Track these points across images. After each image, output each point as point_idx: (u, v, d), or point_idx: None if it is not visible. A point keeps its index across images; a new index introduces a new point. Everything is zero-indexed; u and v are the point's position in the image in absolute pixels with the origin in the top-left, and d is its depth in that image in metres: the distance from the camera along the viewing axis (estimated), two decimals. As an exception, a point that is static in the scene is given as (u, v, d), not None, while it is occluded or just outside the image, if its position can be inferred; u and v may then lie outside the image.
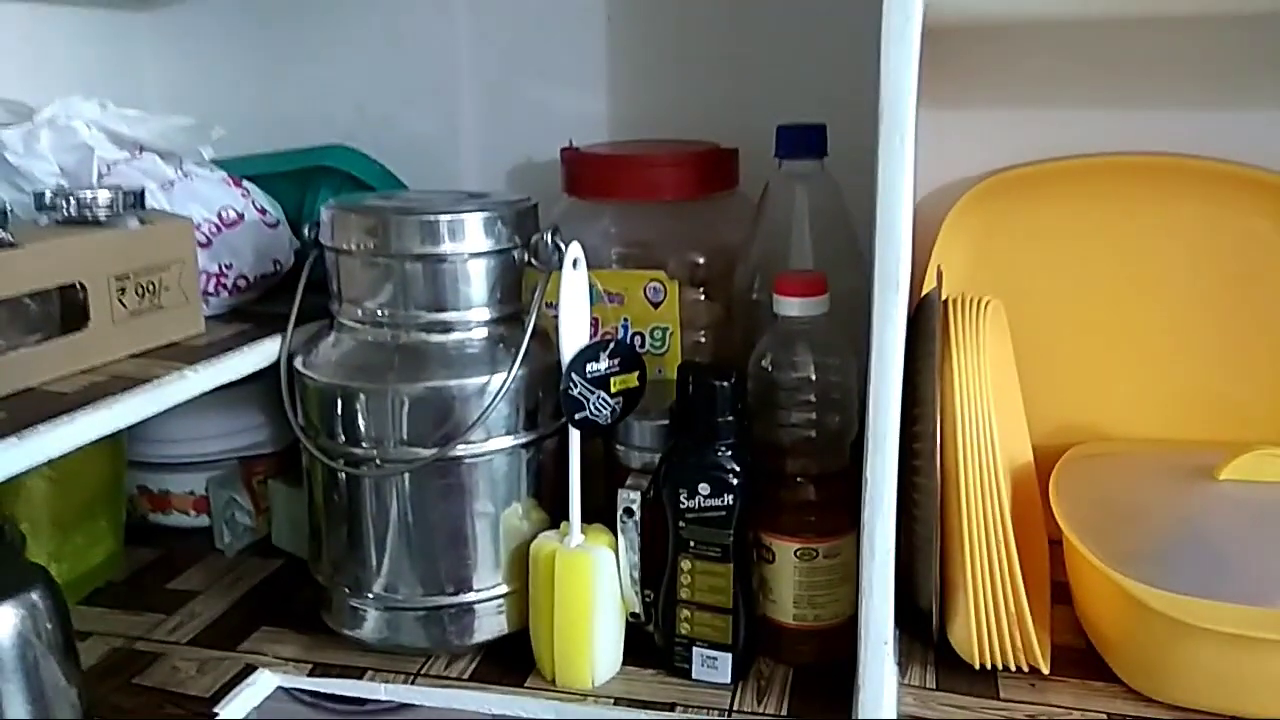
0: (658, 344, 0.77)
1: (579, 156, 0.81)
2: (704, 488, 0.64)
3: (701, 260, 0.78)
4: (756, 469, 0.66)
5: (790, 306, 0.65)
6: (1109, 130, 0.82)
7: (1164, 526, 0.66)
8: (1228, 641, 0.59)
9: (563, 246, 0.66)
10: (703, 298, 0.78)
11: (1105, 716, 0.63)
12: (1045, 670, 0.65)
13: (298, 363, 0.69)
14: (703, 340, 0.78)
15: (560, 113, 0.91)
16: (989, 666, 0.65)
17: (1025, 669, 0.65)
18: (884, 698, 0.60)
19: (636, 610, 0.69)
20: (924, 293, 0.74)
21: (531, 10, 0.91)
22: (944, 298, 0.68)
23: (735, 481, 0.64)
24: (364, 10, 0.94)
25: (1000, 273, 0.84)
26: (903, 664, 0.68)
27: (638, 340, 0.77)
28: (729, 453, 0.64)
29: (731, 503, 0.64)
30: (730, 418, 0.64)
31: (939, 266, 0.74)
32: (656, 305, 0.76)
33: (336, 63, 0.95)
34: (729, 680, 0.67)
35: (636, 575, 0.68)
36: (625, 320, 0.77)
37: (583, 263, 0.67)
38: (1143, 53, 0.81)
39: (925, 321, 0.65)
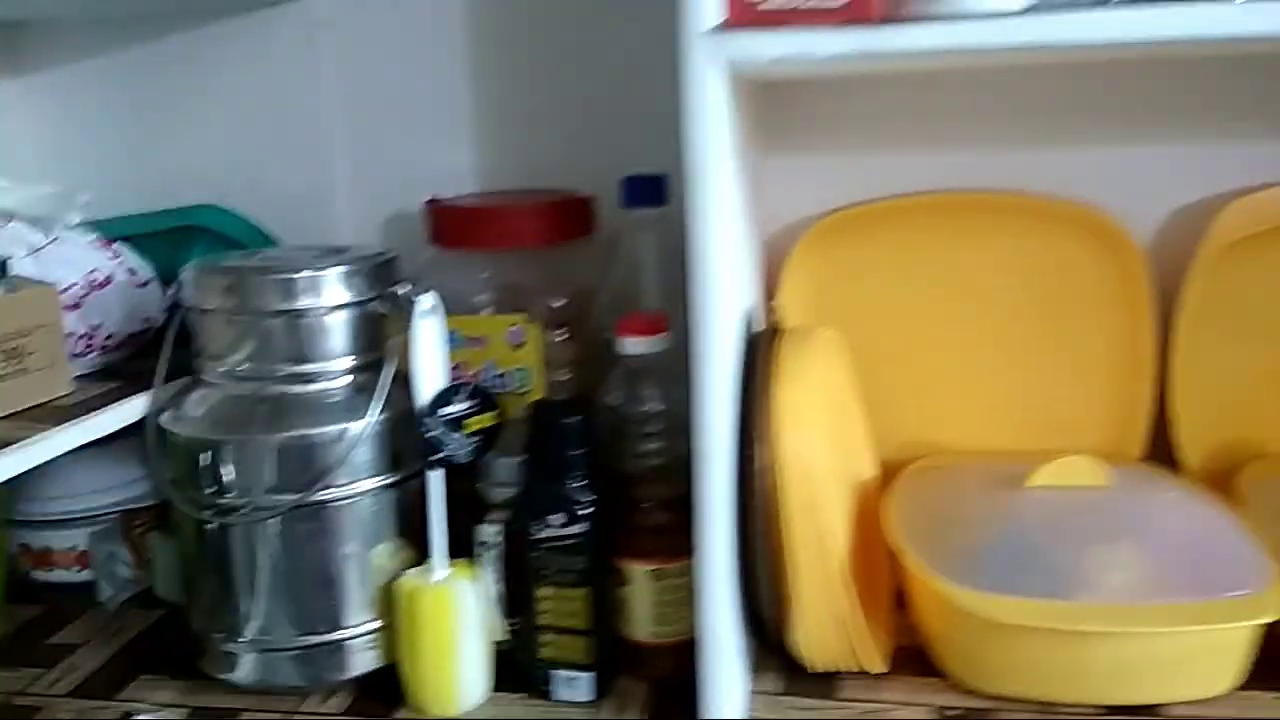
0: (521, 385, 0.81)
1: (442, 209, 0.85)
2: (556, 518, 0.69)
3: (560, 303, 0.82)
4: (610, 497, 0.70)
5: (630, 345, 0.70)
6: (938, 170, 0.89)
7: (978, 531, 0.72)
8: (1031, 634, 0.65)
9: (418, 296, 0.71)
10: (563, 339, 0.83)
11: (932, 708, 0.68)
12: (880, 671, 0.70)
13: (165, 418, 0.72)
14: (565, 379, 0.83)
15: (429, 166, 0.95)
16: (827, 671, 0.70)
17: (863, 671, 0.70)
18: (727, 704, 0.65)
19: (504, 638, 0.73)
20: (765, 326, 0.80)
21: (399, 68, 0.95)
22: (776, 330, 0.74)
23: (587, 511, 0.69)
24: (235, 69, 0.97)
25: (842, 304, 0.90)
26: (755, 671, 0.73)
27: (502, 382, 0.81)
28: (581, 484, 0.69)
29: (584, 531, 0.69)
30: (580, 450, 0.69)
31: (775, 301, 0.80)
32: (518, 347, 0.81)
33: (208, 122, 0.97)
34: (590, 698, 0.71)
35: (501, 605, 0.72)
36: (489, 363, 0.82)
37: (437, 310, 0.71)
38: (964, 101, 0.88)
39: (759, 352, 0.70)
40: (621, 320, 0.71)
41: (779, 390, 0.67)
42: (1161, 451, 0.86)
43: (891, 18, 0.59)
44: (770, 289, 0.90)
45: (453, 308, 0.79)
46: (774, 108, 0.91)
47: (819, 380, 0.73)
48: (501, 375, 0.82)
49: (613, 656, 0.72)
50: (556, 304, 0.82)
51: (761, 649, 0.74)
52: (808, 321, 0.89)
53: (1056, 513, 0.73)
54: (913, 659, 0.73)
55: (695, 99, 0.59)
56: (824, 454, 0.68)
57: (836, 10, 0.59)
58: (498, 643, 0.73)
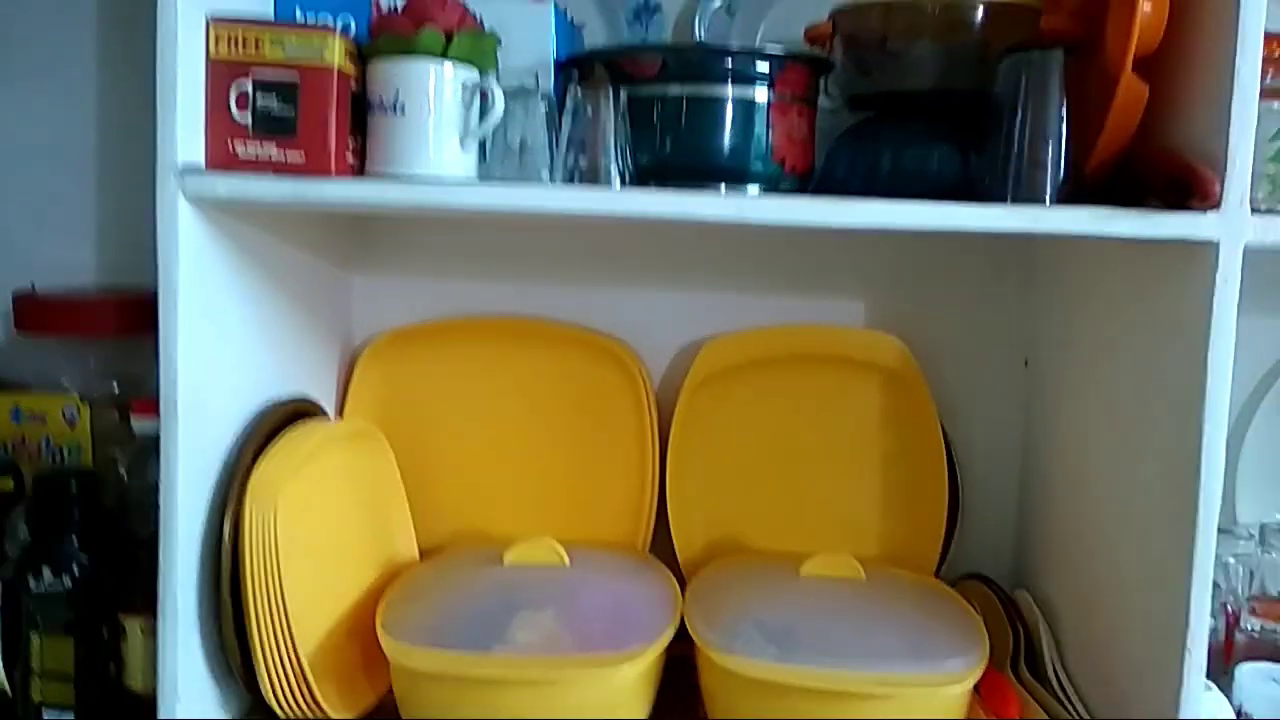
0: (73, 458, 0.91)
1: (26, 300, 0.95)
2: (47, 571, 0.78)
3: (117, 387, 0.93)
4: (114, 558, 0.80)
5: (138, 424, 0.82)
6: (499, 297, 1.06)
7: (445, 599, 0.85)
8: (451, 682, 0.77)
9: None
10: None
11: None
12: (348, 719, 0.81)
13: None
14: (119, 457, 0.93)
15: (45, 258, 1.05)
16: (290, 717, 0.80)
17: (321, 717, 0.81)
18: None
19: (3, 688, 0.80)
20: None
21: (20, 159, 1.05)
22: (290, 420, 0.86)
23: (77, 566, 0.78)
24: None
25: (410, 407, 1.04)
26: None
27: (59, 454, 0.91)
28: (75, 542, 0.79)
29: (71, 584, 0.78)
30: (76, 513, 0.79)
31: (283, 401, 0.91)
32: (72, 424, 0.91)
33: None
34: (76, 740, 0.79)
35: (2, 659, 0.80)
36: (47, 437, 0.91)
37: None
38: (521, 242, 1.06)
39: (251, 438, 0.82)
40: (135, 402, 0.82)
41: (255, 469, 0.79)
42: (668, 544, 1.03)
43: (346, 174, 0.75)
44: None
45: (38, 387, 0.89)
46: (361, 235, 1.06)
47: (321, 465, 0.86)
48: (60, 448, 0.91)
49: (105, 703, 0.81)
50: (114, 389, 0.92)
51: (256, 701, 0.84)
52: (378, 422, 1.02)
53: (513, 584, 0.87)
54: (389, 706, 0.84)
55: (165, 222, 0.72)
56: (294, 527, 0.79)
57: (299, 165, 0.74)
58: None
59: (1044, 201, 0.72)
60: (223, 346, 0.80)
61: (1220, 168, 0.68)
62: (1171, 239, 0.69)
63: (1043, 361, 1.01)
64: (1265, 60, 0.70)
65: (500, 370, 1.05)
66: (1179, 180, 0.68)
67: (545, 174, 0.80)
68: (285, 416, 0.87)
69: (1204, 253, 0.69)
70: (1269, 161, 0.77)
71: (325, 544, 0.86)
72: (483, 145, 0.80)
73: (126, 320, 0.93)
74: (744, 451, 1.03)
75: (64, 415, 0.90)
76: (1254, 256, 0.70)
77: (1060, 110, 0.73)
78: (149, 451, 0.82)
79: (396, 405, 1.04)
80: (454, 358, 1.05)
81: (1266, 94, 0.75)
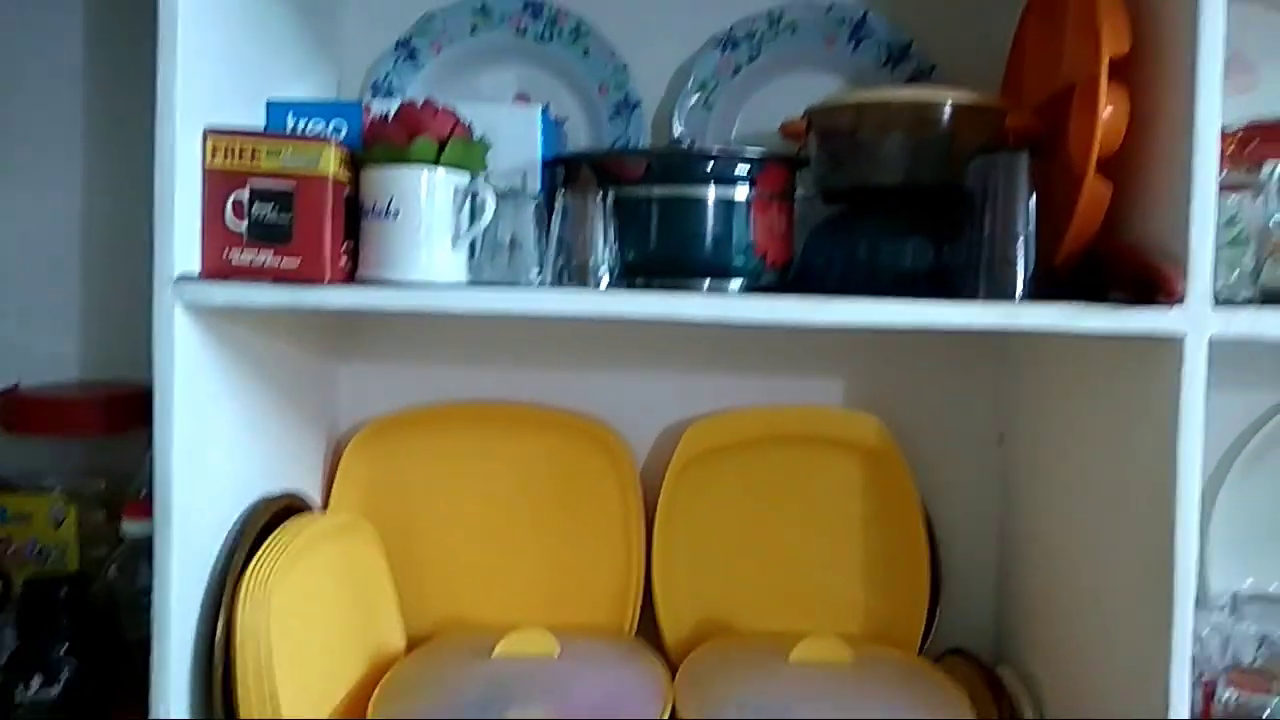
0: (58, 559, 0.90)
1: (10, 399, 0.95)
2: (37, 679, 0.77)
3: (103, 486, 0.93)
4: (105, 663, 0.79)
5: (129, 527, 0.81)
6: (485, 384, 1.07)
7: (436, 694, 0.85)
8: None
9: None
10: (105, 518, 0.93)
11: None
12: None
13: None
14: (102, 555, 0.92)
15: (29, 352, 1.05)
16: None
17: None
18: None
19: (-11, 797, 0.79)
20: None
21: (4, 254, 1.06)
22: (281, 515, 0.87)
23: (66, 673, 0.78)
24: None
25: (395, 495, 1.04)
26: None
27: (43, 555, 0.90)
28: (64, 648, 0.78)
29: (60, 692, 0.77)
30: (67, 620, 0.78)
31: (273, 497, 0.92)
32: (59, 525, 0.90)
33: None
34: None
35: (-13, 764, 0.78)
36: (32, 538, 0.90)
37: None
38: (507, 330, 1.07)
39: (242, 536, 0.82)
40: (128, 505, 0.82)
41: (247, 572, 0.79)
42: (654, 625, 1.03)
43: (340, 278, 0.77)
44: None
45: (21, 485, 0.88)
46: (346, 327, 1.08)
47: (311, 562, 0.86)
48: (44, 549, 0.91)
49: (92, 812, 0.79)
50: (100, 486, 0.92)
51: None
52: (364, 511, 1.02)
53: (503, 677, 0.87)
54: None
55: (161, 330, 0.73)
56: (286, 626, 0.79)
57: (293, 271, 0.76)
58: (-16, 801, 0.79)
59: (1014, 298, 0.75)
60: (215, 448, 0.80)
61: (1183, 264, 0.71)
62: (1139, 333, 0.72)
63: (1018, 438, 1.04)
64: (1221, 157, 0.74)
65: (484, 456, 1.06)
66: (1144, 277, 0.71)
67: (534, 272, 0.82)
68: (275, 513, 0.87)
69: (1170, 346, 0.72)
70: (1224, 248, 0.80)
71: (316, 640, 0.86)
72: (473, 243, 0.82)
73: (112, 418, 0.93)
74: (728, 532, 1.04)
75: (50, 515, 0.90)
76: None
77: (1028, 210, 0.76)
78: (140, 553, 0.82)
79: (382, 494, 1.04)
80: (439, 445, 1.06)
81: (1224, 188, 0.79)
